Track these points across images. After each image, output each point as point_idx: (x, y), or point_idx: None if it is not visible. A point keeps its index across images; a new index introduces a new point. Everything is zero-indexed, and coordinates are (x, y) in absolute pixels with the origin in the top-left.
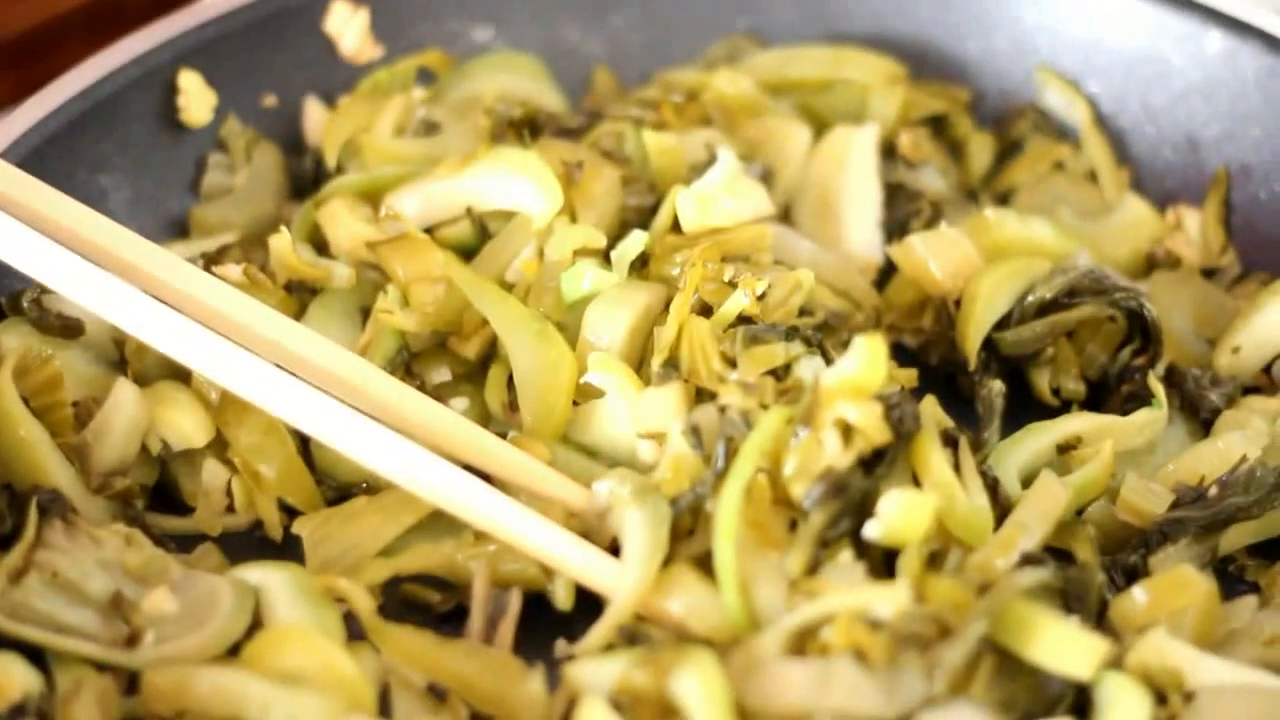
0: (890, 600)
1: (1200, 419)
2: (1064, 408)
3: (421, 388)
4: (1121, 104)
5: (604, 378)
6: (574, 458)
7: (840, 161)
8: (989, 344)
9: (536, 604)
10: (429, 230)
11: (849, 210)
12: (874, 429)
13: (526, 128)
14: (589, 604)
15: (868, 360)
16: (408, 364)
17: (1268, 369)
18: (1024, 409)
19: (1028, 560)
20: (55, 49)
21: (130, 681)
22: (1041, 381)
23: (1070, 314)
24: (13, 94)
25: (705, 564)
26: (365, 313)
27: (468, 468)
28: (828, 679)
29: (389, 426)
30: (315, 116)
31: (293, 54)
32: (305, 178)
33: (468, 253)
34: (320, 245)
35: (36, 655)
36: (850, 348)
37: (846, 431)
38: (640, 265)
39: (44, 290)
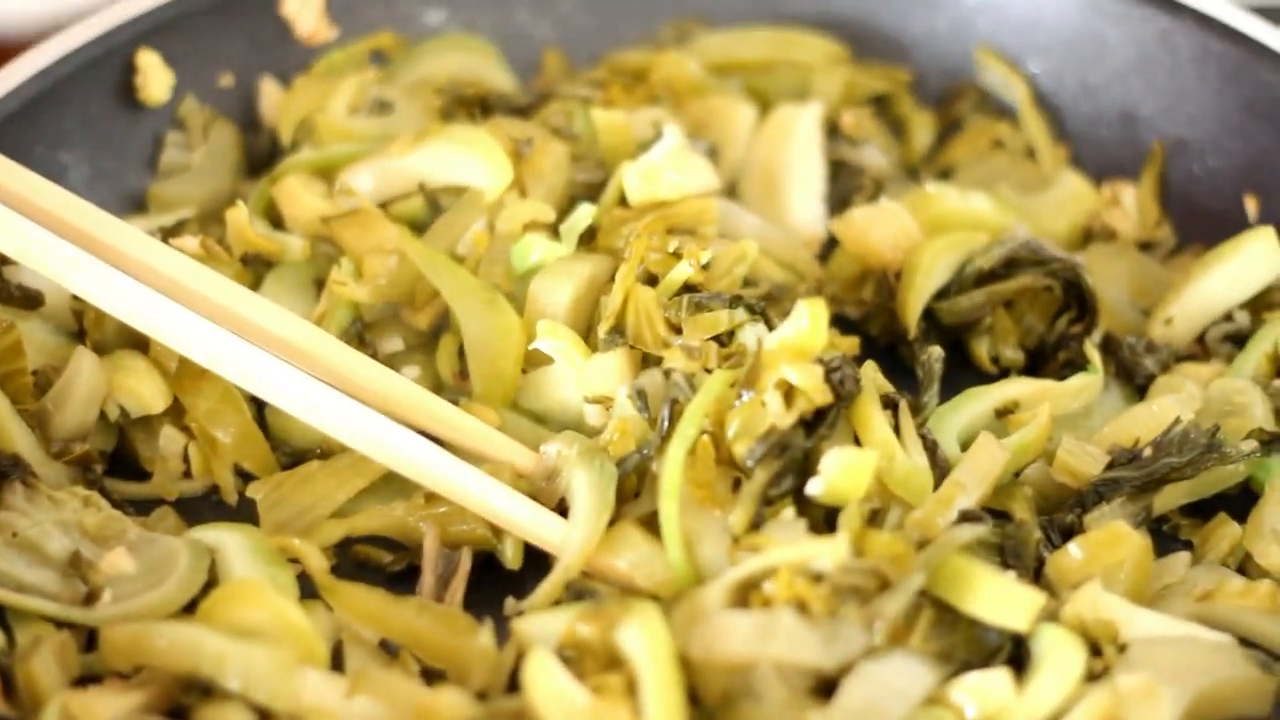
0: (830, 553)
1: (1135, 385)
2: (1003, 375)
3: (374, 357)
4: (1059, 82)
5: (552, 344)
6: (523, 423)
7: (784, 139)
8: (929, 314)
9: (486, 563)
10: (382, 206)
11: (793, 186)
12: (815, 390)
13: (477, 107)
14: (537, 563)
15: (810, 323)
16: (361, 334)
17: (1201, 338)
18: (964, 377)
19: (966, 517)
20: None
21: (89, 638)
22: (981, 350)
23: (1008, 284)
24: None
25: (651, 524)
26: (319, 285)
27: (420, 433)
28: (770, 629)
29: (343, 393)
30: (271, 96)
31: (249, 35)
32: (261, 156)
33: (420, 227)
34: (276, 220)
35: None
36: (792, 311)
37: (789, 394)
38: (589, 239)
39: (4, 261)
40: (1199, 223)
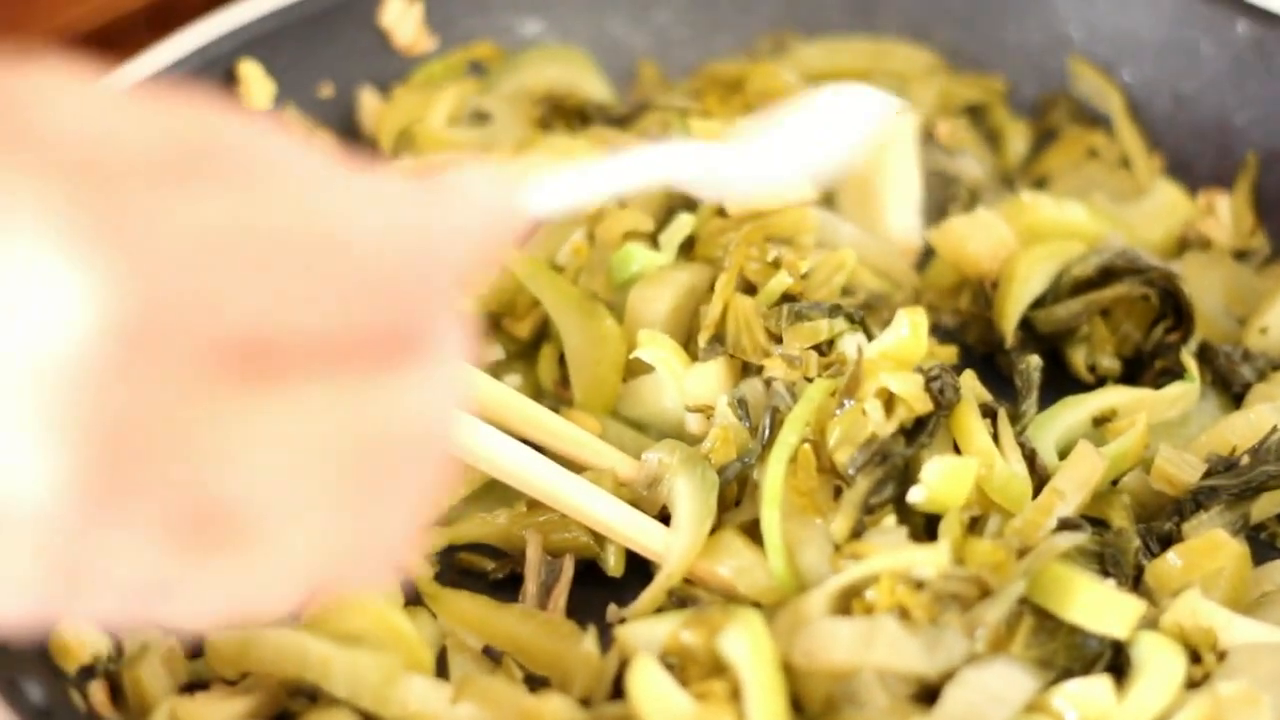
0: (931, 561)
1: (1232, 393)
2: (1100, 384)
3: (476, 366)
4: (1153, 92)
5: (652, 353)
6: (624, 431)
7: (881, 149)
8: (1026, 323)
9: (588, 571)
10: None
11: (889, 195)
12: (915, 398)
13: (575, 117)
14: (640, 570)
15: (910, 332)
16: None
17: None
18: (1061, 386)
19: (1065, 525)
20: (120, 46)
21: (195, 644)
22: (1078, 359)
23: (1105, 292)
24: None
25: (753, 531)
26: None
27: (522, 440)
28: (872, 636)
29: None
30: (370, 106)
31: (348, 46)
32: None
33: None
34: None
35: None
36: (893, 321)
37: (889, 402)
38: (688, 248)
39: None
40: None
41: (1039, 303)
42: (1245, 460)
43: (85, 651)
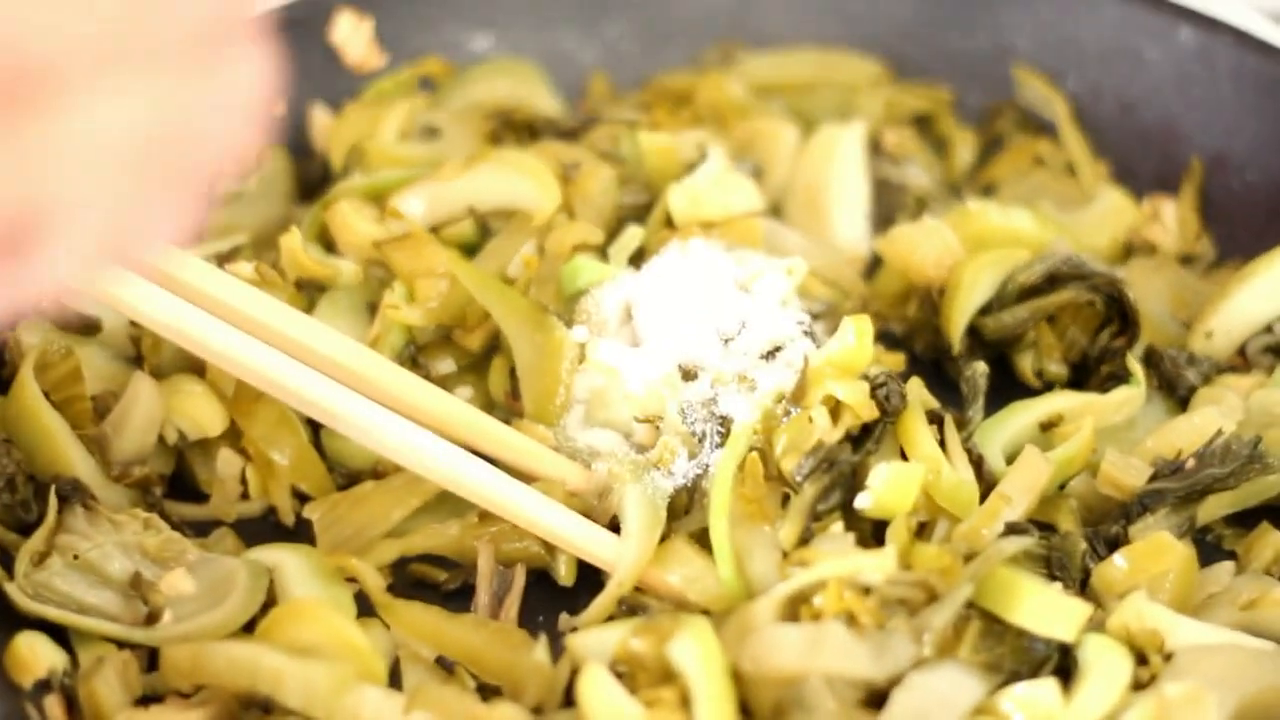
0: (878, 566)
1: (1177, 396)
2: (1047, 389)
3: (427, 378)
4: (1098, 99)
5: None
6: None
7: (828, 158)
8: (973, 330)
9: (540, 580)
10: (433, 229)
11: (837, 205)
12: (861, 405)
13: (525, 131)
14: (590, 579)
15: (856, 340)
16: (414, 356)
17: (1241, 350)
18: (1009, 392)
19: (1012, 530)
20: None
21: (150, 657)
22: (1025, 365)
23: (1050, 299)
24: None
25: (702, 539)
26: (372, 308)
27: (473, 452)
28: (819, 642)
29: (398, 414)
30: (322, 123)
31: (299, 64)
32: (313, 182)
33: (470, 250)
34: (328, 245)
35: (60, 634)
36: (839, 329)
37: (835, 410)
38: (637, 259)
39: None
40: (1238, 236)
41: (986, 309)
42: (1191, 463)
43: (41, 666)
